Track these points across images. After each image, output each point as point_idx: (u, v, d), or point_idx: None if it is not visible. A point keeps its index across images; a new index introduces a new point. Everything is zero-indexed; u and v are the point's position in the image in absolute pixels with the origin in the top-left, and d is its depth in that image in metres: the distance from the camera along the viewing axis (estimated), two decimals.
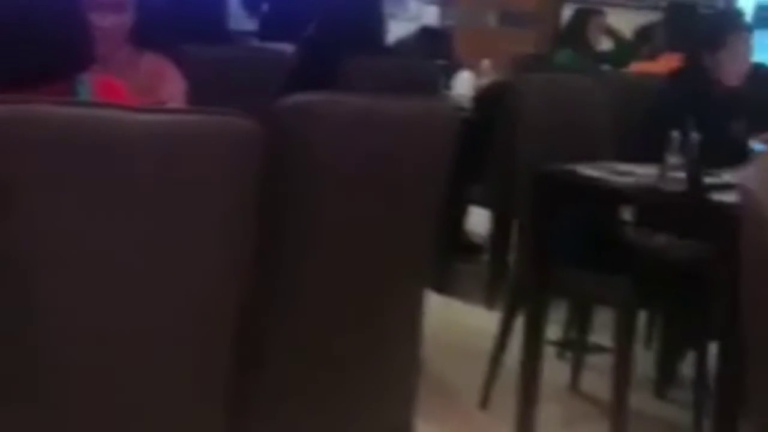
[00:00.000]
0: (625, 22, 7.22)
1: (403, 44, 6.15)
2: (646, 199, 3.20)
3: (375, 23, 4.26)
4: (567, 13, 7.70)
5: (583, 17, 6.64)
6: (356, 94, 2.05)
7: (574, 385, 3.85)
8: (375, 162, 2.04)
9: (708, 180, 3.14)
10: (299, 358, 2.11)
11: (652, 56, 5.16)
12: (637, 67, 5.21)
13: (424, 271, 2.28)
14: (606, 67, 5.96)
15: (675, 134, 3.11)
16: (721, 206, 2.88)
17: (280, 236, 2.02)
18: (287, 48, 4.41)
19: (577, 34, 6.51)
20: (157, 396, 1.81)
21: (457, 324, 4.54)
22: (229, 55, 4.12)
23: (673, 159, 3.09)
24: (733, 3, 8.36)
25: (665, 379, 3.84)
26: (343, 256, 2.08)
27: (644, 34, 6.18)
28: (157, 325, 1.78)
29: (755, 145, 3.35)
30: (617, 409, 3.30)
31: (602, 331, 3.82)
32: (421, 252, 2.22)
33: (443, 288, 4.93)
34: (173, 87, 2.83)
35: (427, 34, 6.76)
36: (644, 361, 3.91)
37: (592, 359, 3.88)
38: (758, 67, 4.03)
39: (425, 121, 2.10)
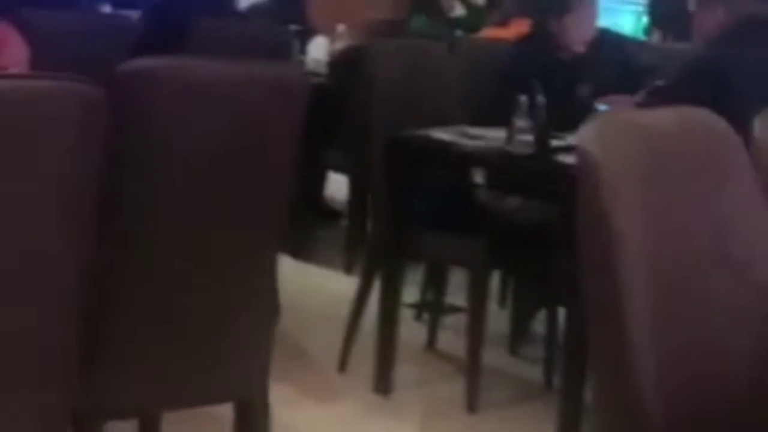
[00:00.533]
0: None
1: (256, 9, 6.10)
2: (495, 161, 3.27)
3: None
4: None
5: None
6: (201, 59, 2.04)
7: (430, 345, 3.92)
8: (220, 127, 2.03)
9: (554, 143, 3.23)
10: (146, 323, 2.10)
11: (502, 22, 5.24)
12: (488, 32, 5.28)
13: (276, 235, 2.29)
14: (459, 33, 6.03)
15: (522, 98, 3.18)
16: (565, 168, 2.97)
17: (124, 202, 2.01)
18: (136, 14, 4.34)
19: (430, 0, 6.56)
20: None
21: (316, 289, 4.57)
22: (76, 21, 4.03)
23: (520, 122, 3.16)
24: None
25: (518, 337, 3.94)
26: (189, 221, 2.08)
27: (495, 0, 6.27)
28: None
29: (600, 106, 3.45)
30: (472, 367, 3.39)
31: (458, 291, 3.90)
32: (273, 216, 2.22)
33: (302, 254, 4.95)
34: (16, 52, 2.76)
35: None
36: (499, 319, 4.01)
37: (449, 320, 3.96)
38: (604, 33, 4.13)
39: (273, 85, 2.10)
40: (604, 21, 5.27)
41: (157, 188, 2.02)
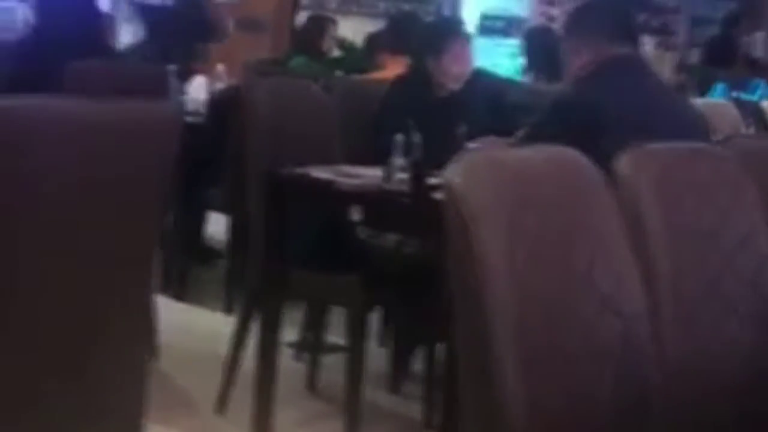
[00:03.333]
0: (355, 29, 7.42)
1: (136, 49, 6.06)
2: (372, 199, 3.29)
3: (96, 24, 4.18)
4: (301, 19, 7.81)
5: (316, 24, 6.76)
6: (70, 98, 2.01)
7: (311, 385, 3.90)
8: (87, 166, 2.01)
9: (431, 180, 3.26)
10: (5, 370, 2.05)
11: (381, 63, 5.30)
12: (367, 73, 5.34)
13: (146, 275, 2.26)
14: (339, 73, 6.09)
15: (399, 137, 3.22)
16: (440, 205, 3.00)
17: None
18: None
19: (310, 40, 6.62)
20: None
21: (196, 330, 4.52)
22: None
23: (397, 160, 3.20)
24: (456, 11, 8.70)
25: (398, 375, 3.95)
26: (55, 261, 2.04)
27: (373, 41, 6.35)
28: None
29: (473, 146, 3.51)
30: (351, 406, 3.38)
31: (339, 330, 3.90)
32: (140, 255, 2.19)
33: (182, 295, 4.90)
34: None
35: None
36: (379, 357, 4.02)
37: (329, 359, 3.95)
38: (479, 72, 4.21)
39: (142, 124, 2.08)
40: (482, 60, 5.38)
41: (23, 230, 1.97)
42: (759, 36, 10.46)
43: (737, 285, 2.00)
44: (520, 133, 3.31)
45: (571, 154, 1.71)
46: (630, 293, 1.71)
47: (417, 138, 3.23)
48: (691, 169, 2.05)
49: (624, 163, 1.88)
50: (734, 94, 8.97)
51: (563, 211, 1.62)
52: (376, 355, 4.04)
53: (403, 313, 3.92)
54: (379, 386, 3.89)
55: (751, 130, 4.90)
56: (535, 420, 1.44)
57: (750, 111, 5.79)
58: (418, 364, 3.96)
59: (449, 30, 4.15)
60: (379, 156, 3.37)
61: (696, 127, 3.08)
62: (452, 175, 1.53)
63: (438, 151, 3.41)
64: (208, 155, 4.79)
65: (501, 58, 7.69)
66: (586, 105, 2.96)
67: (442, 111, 3.88)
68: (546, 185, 1.61)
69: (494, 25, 8.57)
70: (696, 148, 2.11)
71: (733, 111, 4.99)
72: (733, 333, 1.95)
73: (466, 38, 4.11)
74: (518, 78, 6.16)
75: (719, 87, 8.80)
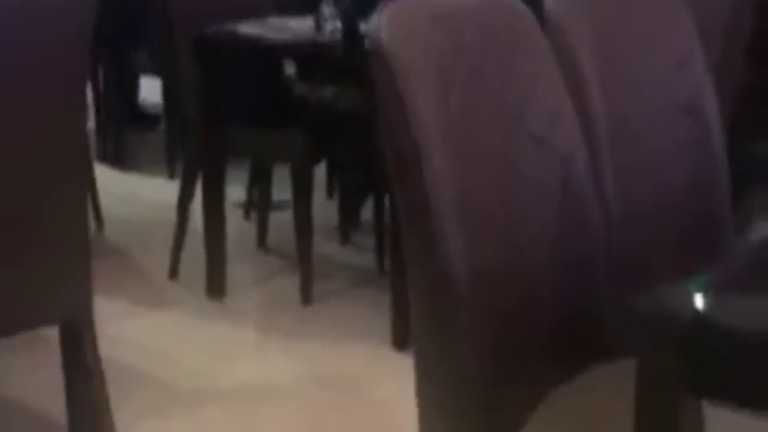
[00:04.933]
0: None
1: None
2: (305, 53, 3.22)
3: None
4: None
5: None
6: None
7: (261, 243, 3.90)
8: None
9: (364, 27, 3.19)
10: None
11: None
12: None
13: (81, 145, 2.19)
14: None
15: None
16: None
17: None
18: None
19: None
20: None
21: (140, 198, 4.47)
22: None
23: (327, 10, 3.12)
24: None
25: (348, 227, 3.95)
26: None
27: None
28: None
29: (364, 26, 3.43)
30: (303, 260, 3.39)
31: (286, 186, 3.88)
32: (70, 123, 2.12)
33: (121, 163, 4.83)
34: None
35: None
36: (329, 210, 4.01)
37: (279, 216, 3.94)
38: None
39: None
40: None
41: None
42: None
43: (673, 110, 1.99)
44: None
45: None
46: (567, 134, 1.69)
47: None
48: (622, 2, 2.01)
49: (553, 2, 1.84)
50: None
51: (498, 54, 1.58)
52: (326, 208, 4.04)
53: (347, 164, 3.90)
54: (330, 238, 3.90)
55: None
56: (479, 276, 1.44)
57: None
58: (366, 214, 3.97)
59: None
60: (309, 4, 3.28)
61: None
62: (377, 28, 1.47)
63: None
64: (131, 16, 4.64)
65: None
66: None
67: None
68: (475, 30, 1.56)
69: None
70: None
71: None
72: (669, 164, 1.95)
73: None
74: None
75: None
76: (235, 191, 3.91)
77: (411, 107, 1.43)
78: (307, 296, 3.38)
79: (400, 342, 3.03)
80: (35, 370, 2.78)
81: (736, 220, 2.22)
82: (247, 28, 3.26)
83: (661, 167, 1.96)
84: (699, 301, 1.16)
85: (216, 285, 3.44)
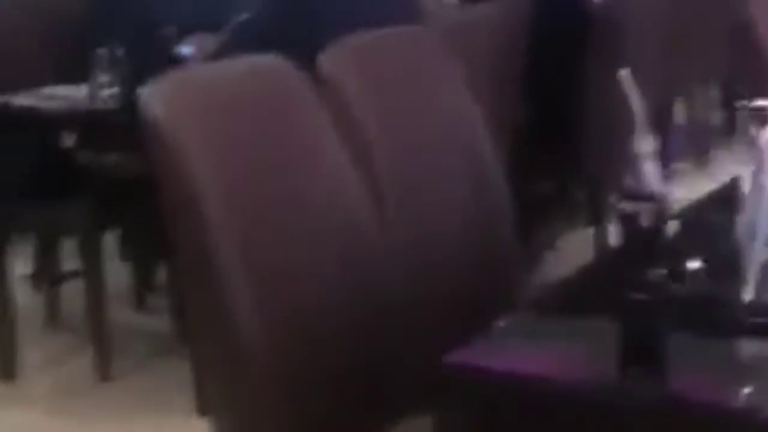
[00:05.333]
0: None
1: None
2: (83, 121, 3.15)
3: None
4: None
5: None
6: None
7: (53, 318, 3.75)
8: None
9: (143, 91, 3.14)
10: None
11: None
12: None
13: None
14: None
15: (101, 51, 3.07)
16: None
17: None
18: None
19: None
20: None
21: None
22: None
23: (102, 77, 3.06)
24: None
25: (143, 291, 3.87)
26: None
27: None
28: None
29: (183, 48, 3.40)
30: (97, 334, 3.29)
31: (75, 255, 3.75)
32: None
33: None
34: None
35: None
36: (123, 273, 3.91)
37: (71, 285, 3.80)
38: None
39: None
40: None
41: None
42: None
43: (450, 155, 2.04)
44: (226, 30, 3.20)
45: (271, 61, 1.66)
46: (350, 185, 1.71)
47: (120, 50, 3.09)
48: (393, 54, 2.05)
49: (326, 58, 1.86)
50: None
51: (271, 121, 1.58)
52: (120, 271, 3.93)
53: (137, 228, 3.82)
54: (126, 303, 3.80)
55: None
56: (269, 342, 1.43)
57: None
58: (162, 276, 3.88)
59: None
60: (83, 72, 3.21)
61: (406, 7, 3.02)
62: (151, 104, 1.45)
63: (149, 58, 3.30)
64: None
65: None
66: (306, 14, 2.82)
67: (146, 15, 3.72)
68: (249, 100, 1.56)
69: None
70: (398, 32, 2.11)
71: None
72: (451, 208, 1.99)
73: None
74: None
75: None
76: (23, 263, 3.76)
77: (188, 177, 1.42)
78: (104, 373, 3.27)
79: (205, 409, 2.97)
80: None
81: (523, 258, 2.30)
82: (21, 100, 3.16)
83: (444, 214, 2.01)
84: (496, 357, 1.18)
85: (6, 366, 3.30)
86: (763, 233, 1.35)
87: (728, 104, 5.53)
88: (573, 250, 4.00)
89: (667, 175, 4.55)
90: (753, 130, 1.45)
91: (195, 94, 1.48)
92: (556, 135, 3.64)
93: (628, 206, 1.44)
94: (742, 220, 1.41)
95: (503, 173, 2.16)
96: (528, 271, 3.57)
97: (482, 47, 2.94)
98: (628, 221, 1.44)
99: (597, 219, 3.77)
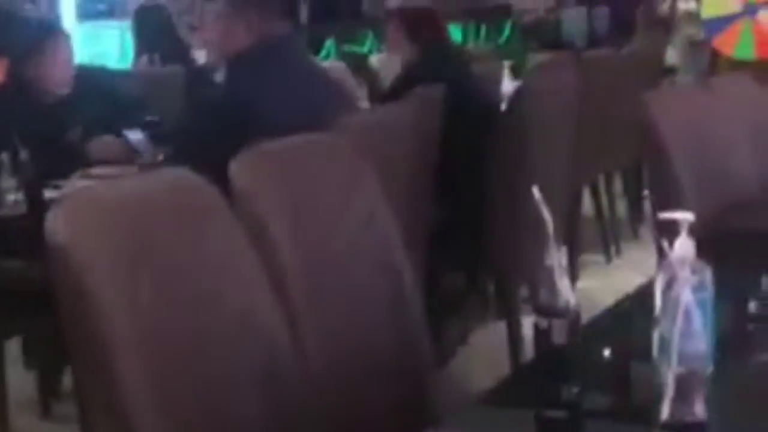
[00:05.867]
0: None
1: None
2: None
3: None
4: None
5: None
6: None
7: None
8: None
9: (48, 194, 3.09)
10: None
11: None
12: None
13: None
14: None
15: (3, 155, 3.01)
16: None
17: None
18: None
19: None
20: None
21: None
22: None
23: (7, 182, 3.00)
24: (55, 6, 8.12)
25: (48, 398, 3.76)
26: None
27: None
28: None
29: (130, 134, 3.37)
30: None
31: None
32: None
33: None
34: None
35: None
36: (27, 381, 3.80)
37: None
38: (84, 69, 4.02)
39: None
40: (87, 48, 5.12)
41: None
42: None
43: (365, 268, 2.03)
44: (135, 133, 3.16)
45: (185, 178, 1.64)
46: (264, 307, 1.68)
47: (24, 155, 3.04)
48: (306, 161, 2.04)
49: (237, 169, 1.84)
50: (346, 47, 9.23)
51: (181, 240, 1.55)
52: (24, 379, 3.82)
53: (41, 336, 3.72)
54: (30, 412, 3.68)
55: (364, 90, 5.02)
56: None
57: (360, 68, 5.94)
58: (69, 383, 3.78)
59: (44, 29, 3.93)
60: None
61: (342, 108, 2.99)
62: (54, 225, 1.41)
63: (54, 161, 3.25)
64: None
65: (108, 44, 7.40)
66: (238, 105, 2.75)
67: (53, 118, 3.68)
68: (160, 218, 1.53)
69: (96, 8, 8.22)
70: (310, 139, 2.10)
71: (350, 78, 5.04)
72: (369, 322, 1.98)
73: (64, 35, 3.90)
74: (128, 63, 5.98)
75: (329, 43, 9.02)
76: None
77: (95, 305, 1.38)
78: None
79: None
80: None
81: (436, 353, 2.28)
82: None
83: (360, 326, 1.99)
84: None
85: None
86: (676, 348, 1.35)
87: (634, 193, 5.65)
88: (485, 345, 4.01)
89: (576, 270, 4.60)
90: (662, 243, 1.46)
91: (101, 214, 1.45)
92: (466, 229, 3.67)
93: (542, 322, 1.44)
94: (655, 335, 1.42)
95: (416, 279, 2.16)
96: (441, 368, 3.58)
97: (394, 148, 2.96)
98: (542, 337, 1.43)
99: (508, 312, 3.78)
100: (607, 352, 1.66)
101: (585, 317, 1.95)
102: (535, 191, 1.47)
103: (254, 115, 2.69)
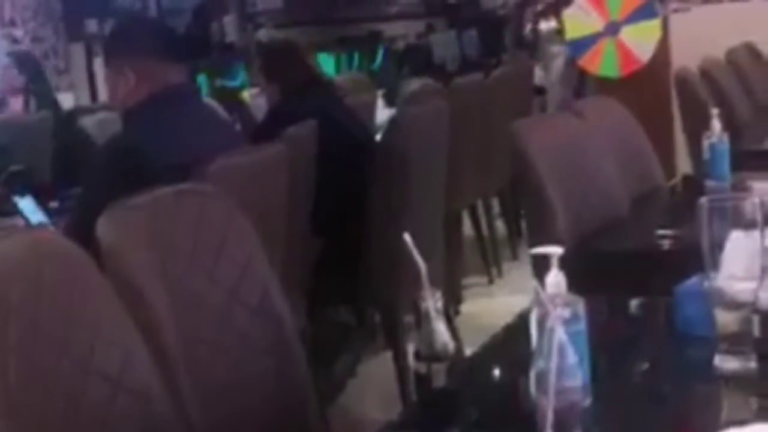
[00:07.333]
0: None
1: None
2: None
3: None
4: None
5: None
6: None
7: None
8: None
9: None
10: None
11: None
12: None
13: None
14: None
15: None
16: None
17: None
18: None
19: None
20: None
21: None
22: None
23: None
24: None
25: None
26: None
27: None
28: None
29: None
30: None
31: None
32: None
33: None
34: None
35: None
36: None
37: None
38: None
39: None
40: None
41: None
42: (228, 20, 10.76)
43: (244, 316, 2.01)
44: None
45: (50, 240, 1.60)
46: (140, 368, 1.64)
47: None
48: (176, 212, 2.01)
49: (103, 227, 1.80)
50: (218, 82, 9.18)
51: (49, 308, 1.51)
52: None
53: None
54: None
55: (238, 126, 4.98)
56: None
57: (233, 103, 5.90)
58: None
59: None
60: None
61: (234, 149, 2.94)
62: None
63: None
64: None
65: None
66: (137, 152, 2.66)
67: None
68: (24, 286, 1.48)
69: None
70: (180, 190, 2.07)
71: (223, 115, 4.95)
72: (249, 370, 1.96)
73: None
74: None
75: (201, 78, 8.95)
76: None
77: None
78: None
79: None
80: None
81: (325, 387, 2.26)
82: None
83: (241, 375, 1.96)
84: None
85: None
86: (553, 384, 1.36)
87: (512, 214, 5.73)
88: (374, 375, 4.01)
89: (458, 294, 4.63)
90: (535, 283, 1.47)
91: None
92: (348, 263, 3.67)
93: (420, 367, 1.44)
94: (532, 372, 1.43)
95: (299, 317, 2.15)
96: (331, 402, 3.56)
97: (269, 189, 2.94)
98: (422, 382, 1.44)
99: (394, 342, 3.78)
100: (487, 392, 1.67)
101: (471, 342, 1.97)
102: (407, 238, 1.48)
103: (147, 161, 2.63)
